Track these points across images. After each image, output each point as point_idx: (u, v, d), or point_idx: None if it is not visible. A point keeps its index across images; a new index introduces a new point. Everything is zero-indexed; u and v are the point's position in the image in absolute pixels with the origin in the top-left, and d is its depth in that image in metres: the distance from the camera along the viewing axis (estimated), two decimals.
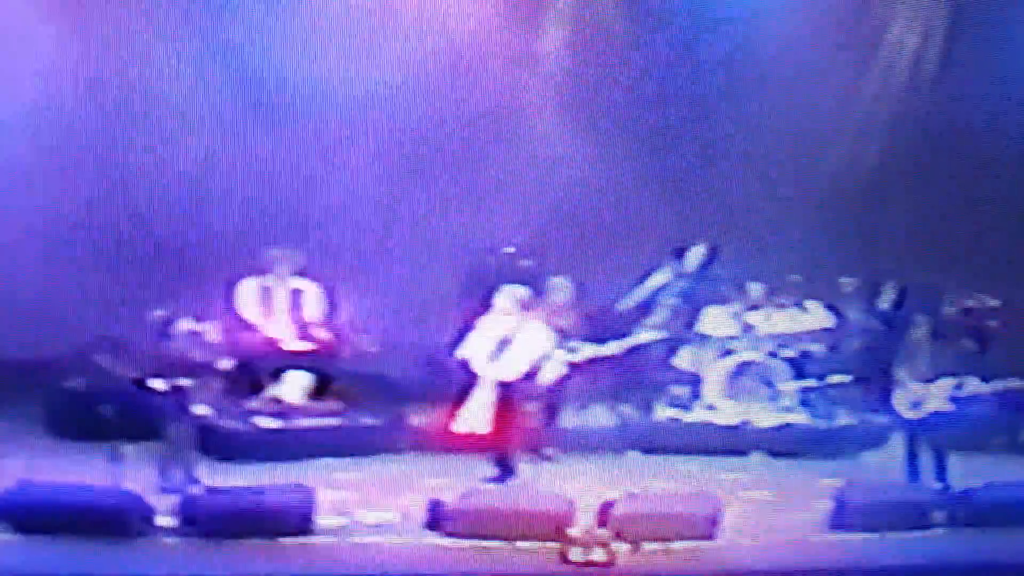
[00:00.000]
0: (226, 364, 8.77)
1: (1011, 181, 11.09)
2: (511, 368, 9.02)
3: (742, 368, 10.26)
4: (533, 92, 10.87)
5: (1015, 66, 10.98)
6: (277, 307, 9.89)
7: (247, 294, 9.86)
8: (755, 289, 10.48)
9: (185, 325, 8.59)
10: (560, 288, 9.75)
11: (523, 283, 9.66)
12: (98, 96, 10.15)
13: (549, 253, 10.51)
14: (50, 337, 9.76)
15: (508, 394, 9.03)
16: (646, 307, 10.44)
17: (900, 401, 9.16)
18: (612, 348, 9.83)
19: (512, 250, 10.66)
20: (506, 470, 8.96)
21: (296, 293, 9.93)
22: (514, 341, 9.01)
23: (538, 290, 9.71)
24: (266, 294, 9.87)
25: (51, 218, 10.10)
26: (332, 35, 10.42)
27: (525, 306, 9.05)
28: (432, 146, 10.60)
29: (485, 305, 9.21)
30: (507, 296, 9.09)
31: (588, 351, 9.71)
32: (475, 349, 8.98)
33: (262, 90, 10.26)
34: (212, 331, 8.70)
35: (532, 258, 10.57)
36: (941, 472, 9.09)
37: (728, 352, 10.33)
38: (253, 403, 9.59)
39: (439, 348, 9.93)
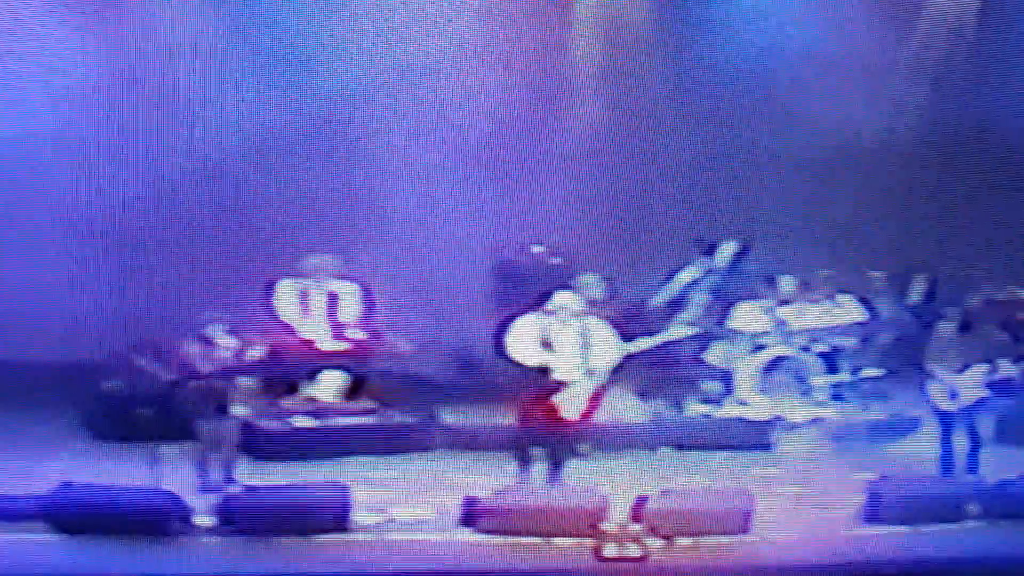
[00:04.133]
0: (253, 364, 8.78)
1: None
2: (602, 363, 8.92)
3: (774, 363, 10.24)
4: (564, 91, 10.86)
5: None
6: (314, 309, 9.95)
7: (285, 295, 9.94)
8: (787, 284, 10.45)
9: (221, 339, 8.66)
10: (591, 285, 9.75)
11: (555, 281, 9.70)
12: (138, 101, 10.24)
13: (579, 250, 10.51)
14: (89, 340, 9.88)
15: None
16: (677, 303, 10.44)
17: (937, 393, 9.12)
18: (643, 344, 9.83)
19: (542, 248, 10.68)
20: (557, 467, 8.91)
21: (333, 295, 9.99)
22: (589, 339, 8.89)
23: (568, 287, 9.72)
24: (304, 296, 9.93)
25: (90, 221, 10.19)
26: (366, 38, 10.47)
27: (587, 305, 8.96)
28: (464, 147, 10.62)
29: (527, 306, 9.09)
30: (565, 301, 9.01)
31: (619, 348, 9.70)
32: (563, 360, 8.85)
33: (300, 95, 10.31)
34: (245, 344, 8.74)
35: (562, 256, 10.59)
36: (973, 465, 9.04)
37: (760, 347, 10.30)
38: (289, 403, 9.67)
39: (472, 346, 9.98)
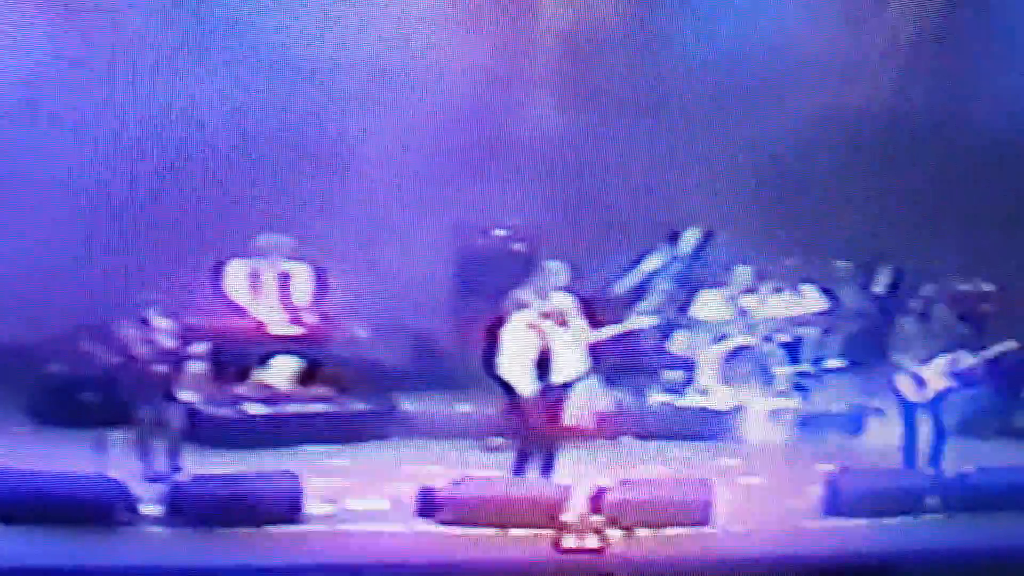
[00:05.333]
0: (201, 348, 8.58)
1: (1010, 164, 11.02)
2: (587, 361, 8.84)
3: (736, 353, 10.21)
4: (528, 74, 10.74)
5: (1014, 49, 10.90)
6: (266, 290, 9.78)
7: (235, 276, 9.74)
8: (749, 273, 10.41)
9: (160, 321, 8.46)
10: (556, 273, 9.52)
11: (518, 267, 9.50)
12: (79, 78, 9.95)
13: (542, 236, 10.38)
14: (32, 321, 9.62)
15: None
16: (640, 291, 10.38)
17: (904, 384, 9.12)
18: (605, 332, 9.71)
19: (504, 232, 10.53)
20: (522, 466, 8.74)
21: (285, 276, 9.81)
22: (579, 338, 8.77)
23: (532, 274, 9.57)
24: (255, 277, 9.75)
25: (33, 200, 9.88)
26: (325, 15, 10.23)
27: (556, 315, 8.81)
28: (426, 129, 10.42)
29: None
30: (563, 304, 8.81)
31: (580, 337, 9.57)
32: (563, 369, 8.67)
33: (256, 71, 10.10)
34: (191, 327, 8.55)
35: (525, 241, 10.45)
36: (936, 456, 9.04)
37: (722, 336, 10.28)
38: (240, 389, 9.49)
39: (431, 331, 9.80)
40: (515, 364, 8.52)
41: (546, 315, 8.57)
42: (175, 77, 10.00)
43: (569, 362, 8.63)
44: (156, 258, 9.81)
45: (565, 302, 8.71)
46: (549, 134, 10.76)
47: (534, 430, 8.53)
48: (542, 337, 8.54)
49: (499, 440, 9.06)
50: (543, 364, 8.54)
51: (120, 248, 9.96)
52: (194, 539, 7.78)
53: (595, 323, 9.38)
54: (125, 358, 8.45)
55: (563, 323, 8.62)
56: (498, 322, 8.57)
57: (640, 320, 9.86)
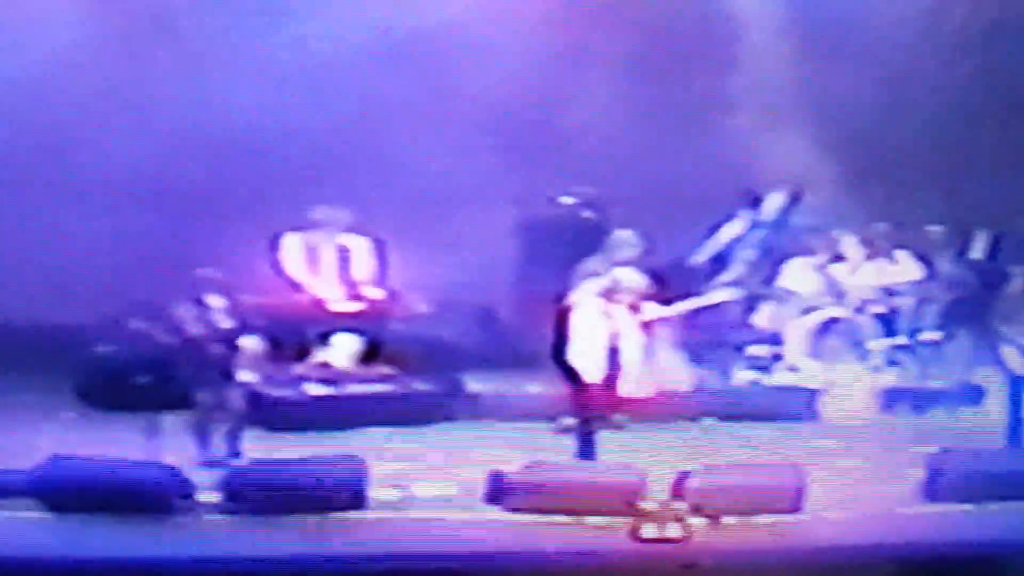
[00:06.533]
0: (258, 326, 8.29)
1: None
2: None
3: (827, 325, 9.82)
4: (594, 41, 10.40)
5: None
6: (324, 265, 9.61)
7: (292, 251, 9.57)
8: (840, 238, 9.97)
9: (216, 300, 8.28)
10: (628, 244, 9.07)
11: (587, 235, 9.09)
12: (136, 52, 9.88)
13: (613, 204, 10.02)
14: (82, 301, 9.46)
15: None
16: (721, 261, 10.01)
17: (1010, 356, 8.70)
18: (684, 307, 9.29)
19: (572, 200, 10.18)
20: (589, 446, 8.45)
21: (344, 250, 9.62)
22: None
23: (602, 245, 9.16)
24: (312, 251, 9.59)
25: (83, 176, 9.78)
26: None
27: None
28: (490, 95, 10.12)
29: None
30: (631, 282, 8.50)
31: (654, 311, 9.16)
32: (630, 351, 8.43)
33: (316, 39, 9.93)
34: (247, 305, 8.36)
35: (595, 209, 10.07)
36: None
37: (812, 308, 9.87)
38: (300, 369, 9.31)
39: (497, 308, 9.46)
40: (585, 352, 8.23)
41: (612, 293, 8.16)
42: (225, 50, 9.83)
43: (638, 346, 8.38)
44: (210, 235, 9.62)
45: (635, 282, 8.31)
46: (621, 95, 10.36)
47: (601, 412, 8.24)
48: (612, 323, 8.16)
49: (571, 421, 8.75)
50: (613, 349, 8.21)
51: (174, 226, 9.80)
52: (253, 527, 7.63)
53: (671, 298, 8.99)
54: (181, 339, 8.33)
55: (635, 308, 8.22)
56: (567, 307, 8.26)
57: (722, 292, 9.46)
